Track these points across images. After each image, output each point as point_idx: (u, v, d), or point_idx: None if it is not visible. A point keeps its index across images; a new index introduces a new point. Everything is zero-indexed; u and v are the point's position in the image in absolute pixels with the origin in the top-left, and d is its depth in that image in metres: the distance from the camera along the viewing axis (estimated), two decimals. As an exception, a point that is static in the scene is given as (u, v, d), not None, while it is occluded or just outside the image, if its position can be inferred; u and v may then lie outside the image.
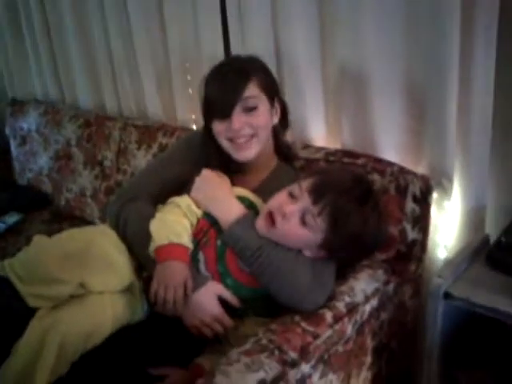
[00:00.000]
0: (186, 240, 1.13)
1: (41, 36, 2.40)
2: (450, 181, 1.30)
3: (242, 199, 1.19)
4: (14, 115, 2.55)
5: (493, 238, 1.21)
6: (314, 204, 1.03)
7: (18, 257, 1.18)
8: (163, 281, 1.08)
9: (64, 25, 2.25)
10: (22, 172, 2.51)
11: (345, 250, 1.08)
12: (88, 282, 1.11)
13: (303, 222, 1.04)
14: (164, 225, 1.15)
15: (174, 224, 1.15)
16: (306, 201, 1.04)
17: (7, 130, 2.59)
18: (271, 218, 1.07)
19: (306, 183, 1.07)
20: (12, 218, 2.09)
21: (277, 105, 1.30)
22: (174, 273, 1.09)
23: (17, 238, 2.00)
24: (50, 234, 1.87)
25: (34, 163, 2.42)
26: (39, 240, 1.22)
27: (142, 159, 1.87)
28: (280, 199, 1.08)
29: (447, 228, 1.35)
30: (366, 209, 1.04)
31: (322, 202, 1.03)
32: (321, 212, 1.03)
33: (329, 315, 1.04)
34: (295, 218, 1.05)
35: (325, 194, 1.03)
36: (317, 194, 1.04)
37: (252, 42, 1.57)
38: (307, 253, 1.09)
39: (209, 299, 1.11)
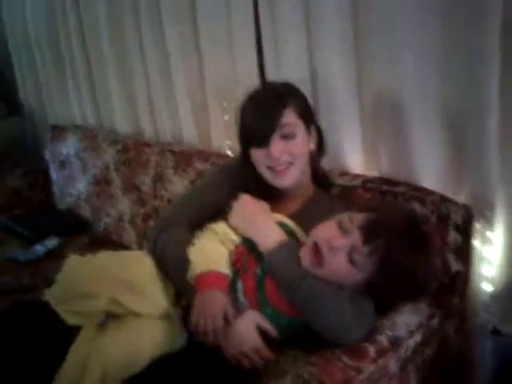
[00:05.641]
0: (225, 267, 1.13)
1: (80, 64, 2.48)
2: (492, 210, 1.26)
3: (281, 225, 1.17)
4: (54, 140, 2.62)
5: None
6: (365, 243, 1.00)
7: (56, 279, 1.22)
8: (203, 310, 1.08)
9: (103, 53, 2.32)
10: (61, 196, 2.56)
11: (385, 293, 1.05)
12: (121, 298, 1.13)
13: (350, 259, 1.01)
14: (203, 252, 1.15)
15: (212, 251, 1.15)
16: (356, 237, 1.01)
17: (47, 155, 2.66)
18: (317, 250, 1.04)
19: (358, 218, 1.03)
20: (51, 242, 2.12)
21: (313, 131, 1.29)
22: (214, 302, 1.08)
23: (56, 261, 2.01)
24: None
25: (72, 188, 2.47)
26: (72, 259, 1.25)
27: (178, 185, 1.89)
28: (328, 230, 1.05)
29: (492, 260, 1.30)
30: (418, 257, 1.01)
31: (374, 243, 0.99)
32: (371, 253, 1.00)
33: (371, 349, 1.02)
34: (342, 253, 1.02)
35: (377, 235, 1.00)
36: (369, 233, 1.00)
37: (287, 68, 1.57)
38: (347, 287, 1.06)
39: (248, 329, 1.10)
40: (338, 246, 1.02)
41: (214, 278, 1.11)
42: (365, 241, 1.00)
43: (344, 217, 1.06)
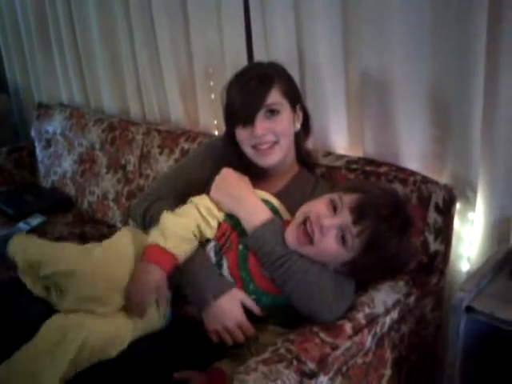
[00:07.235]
0: (181, 249, 1.11)
1: (67, 42, 2.44)
2: (474, 191, 1.28)
3: (265, 202, 1.17)
4: (40, 119, 2.60)
5: (518, 251, 1.18)
6: (354, 224, 1.01)
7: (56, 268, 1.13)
8: (137, 280, 1.08)
9: (90, 31, 2.29)
10: (46, 175, 2.54)
11: (369, 272, 1.08)
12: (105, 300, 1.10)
13: (340, 239, 1.02)
14: (170, 226, 1.13)
15: (180, 229, 1.12)
16: (346, 217, 1.02)
17: (33, 133, 2.63)
18: (305, 228, 1.04)
19: (348, 199, 1.04)
20: (35, 220, 2.10)
21: (299, 111, 1.29)
22: (147, 276, 1.07)
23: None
24: (72, 235, 1.89)
25: (58, 166, 2.45)
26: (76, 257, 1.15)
27: (164, 164, 1.88)
28: (318, 209, 1.05)
29: (470, 240, 1.32)
30: (403, 239, 1.04)
31: (363, 223, 1.01)
32: (359, 234, 1.01)
33: (348, 326, 1.03)
34: (332, 233, 1.02)
35: (367, 216, 1.01)
36: (359, 214, 1.01)
37: (275, 49, 1.57)
38: (330, 266, 1.07)
39: (233, 305, 1.10)
40: (329, 225, 1.02)
41: (159, 254, 1.09)
42: (354, 221, 1.01)
43: (334, 196, 1.06)
